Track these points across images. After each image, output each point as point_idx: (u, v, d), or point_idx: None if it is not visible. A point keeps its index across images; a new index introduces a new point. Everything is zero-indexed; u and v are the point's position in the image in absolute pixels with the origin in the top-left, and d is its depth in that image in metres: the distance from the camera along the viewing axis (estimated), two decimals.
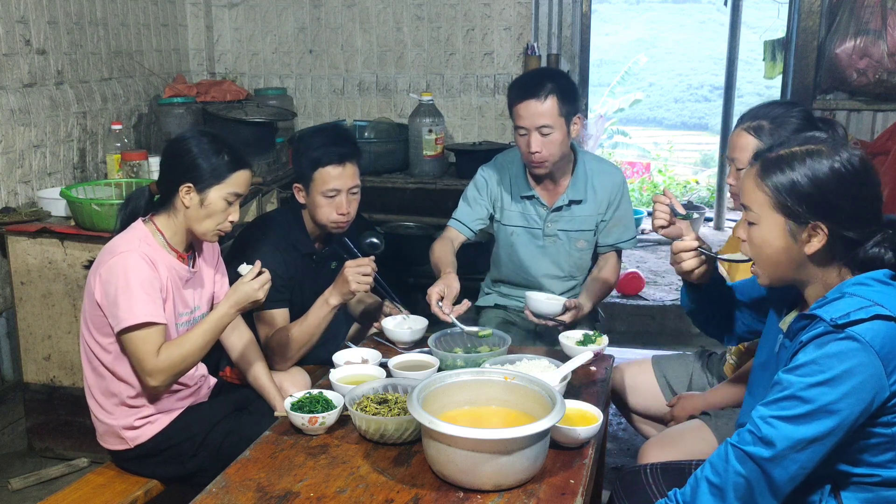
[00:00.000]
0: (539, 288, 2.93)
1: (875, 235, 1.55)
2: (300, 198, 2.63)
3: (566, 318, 2.64)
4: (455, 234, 2.94)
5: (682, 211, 2.16)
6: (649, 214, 6.96)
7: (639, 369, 2.61)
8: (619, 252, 2.99)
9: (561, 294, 2.97)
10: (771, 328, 1.82)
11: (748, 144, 2.16)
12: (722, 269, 2.50)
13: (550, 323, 2.66)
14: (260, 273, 2.15)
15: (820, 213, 1.54)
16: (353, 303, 2.88)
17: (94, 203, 2.92)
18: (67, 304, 3.05)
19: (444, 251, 2.82)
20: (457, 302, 2.49)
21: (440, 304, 2.44)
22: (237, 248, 2.66)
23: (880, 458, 1.54)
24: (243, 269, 2.19)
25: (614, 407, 2.74)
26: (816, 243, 1.55)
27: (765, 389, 1.68)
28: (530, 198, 2.87)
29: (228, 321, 2.17)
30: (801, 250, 1.58)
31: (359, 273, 2.40)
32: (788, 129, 2.12)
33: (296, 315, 2.56)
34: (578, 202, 2.86)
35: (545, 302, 2.65)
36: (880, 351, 1.44)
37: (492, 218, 2.97)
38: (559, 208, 2.86)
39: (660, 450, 2.20)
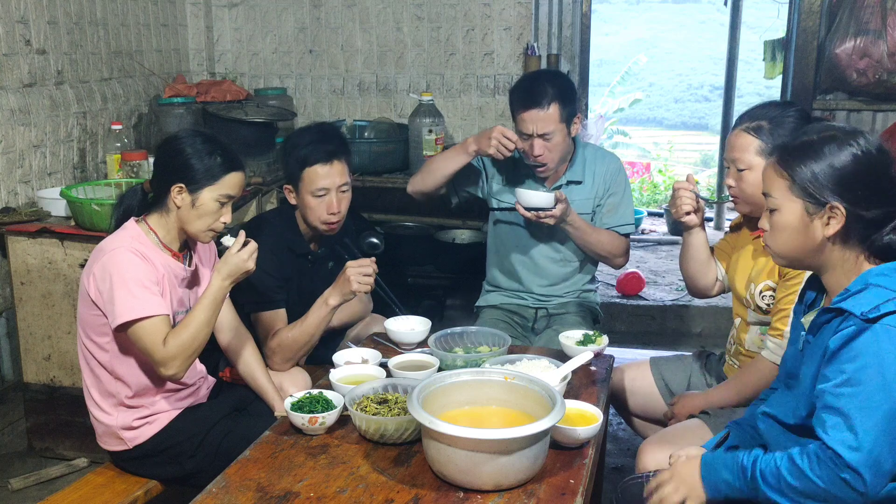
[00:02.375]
0: (539, 273, 2.97)
1: (892, 220, 1.59)
2: (291, 199, 2.61)
3: (556, 211, 2.69)
4: None
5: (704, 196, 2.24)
6: (650, 214, 7.01)
7: (637, 372, 2.61)
8: (622, 236, 2.98)
9: (561, 282, 2.99)
10: (793, 330, 1.84)
11: (749, 145, 2.17)
12: (721, 271, 2.50)
13: (542, 215, 2.70)
14: (246, 243, 2.14)
15: (837, 193, 1.58)
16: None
17: (94, 203, 2.92)
18: (67, 304, 3.05)
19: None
20: None
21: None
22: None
23: None
24: (227, 240, 2.17)
25: (613, 408, 2.74)
26: (835, 224, 1.59)
27: (787, 388, 1.72)
28: (530, 176, 2.92)
29: (225, 294, 2.15)
30: (820, 233, 1.61)
31: (360, 273, 2.39)
32: (786, 129, 2.13)
33: (294, 316, 2.55)
34: (578, 183, 2.92)
35: (535, 194, 2.70)
36: None
37: (481, 196, 2.98)
38: (558, 188, 2.90)
39: (658, 449, 2.20)
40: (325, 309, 2.46)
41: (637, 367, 2.63)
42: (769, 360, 2.18)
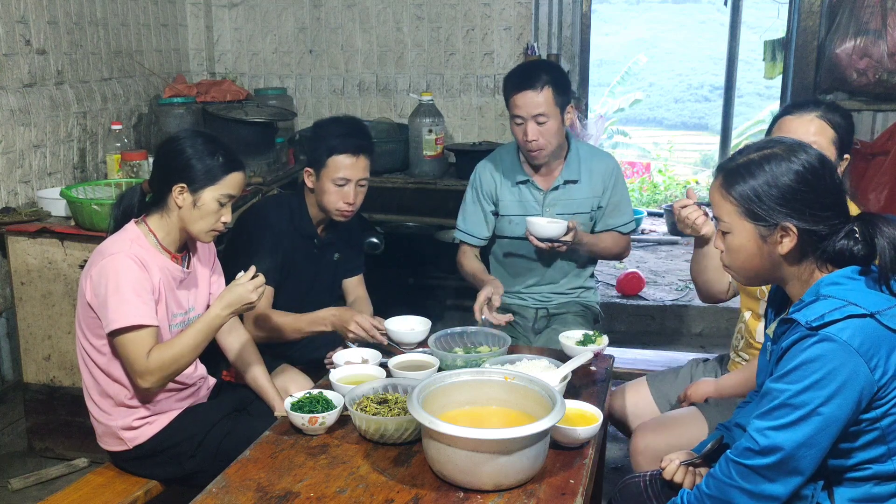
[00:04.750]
0: (540, 271, 2.99)
1: (843, 228, 1.59)
2: (309, 182, 2.67)
3: (568, 237, 2.73)
4: (468, 248, 3.04)
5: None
6: (650, 214, 7.01)
7: (637, 395, 2.56)
8: (621, 235, 3.01)
9: (561, 279, 3.00)
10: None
11: (826, 132, 2.14)
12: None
13: (556, 245, 2.73)
14: (255, 276, 2.14)
15: (786, 213, 1.58)
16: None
17: (94, 203, 2.92)
18: (67, 304, 3.05)
19: (472, 262, 2.98)
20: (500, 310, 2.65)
21: (486, 309, 2.64)
22: (238, 229, 2.69)
23: (872, 453, 1.56)
24: (240, 276, 2.18)
25: (617, 430, 2.70)
26: (788, 243, 1.59)
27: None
28: (525, 182, 2.92)
29: (221, 323, 2.14)
30: (774, 252, 1.61)
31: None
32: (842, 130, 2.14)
33: (293, 297, 2.56)
34: (574, 182, 2.92)
35: (548, 225, 2.72)
36: (860, 348, 1.47)
37: (495, 214, 2.99)
38: (556, 188, 2.91)
39: (652, 434, 2.24)
40: (318, 328, 2.52)
41: (636, 390, 2.58)
42: None
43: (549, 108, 2.73)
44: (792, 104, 2.29)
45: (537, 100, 2.71)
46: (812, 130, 2.15)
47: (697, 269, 2.47)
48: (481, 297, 2.63)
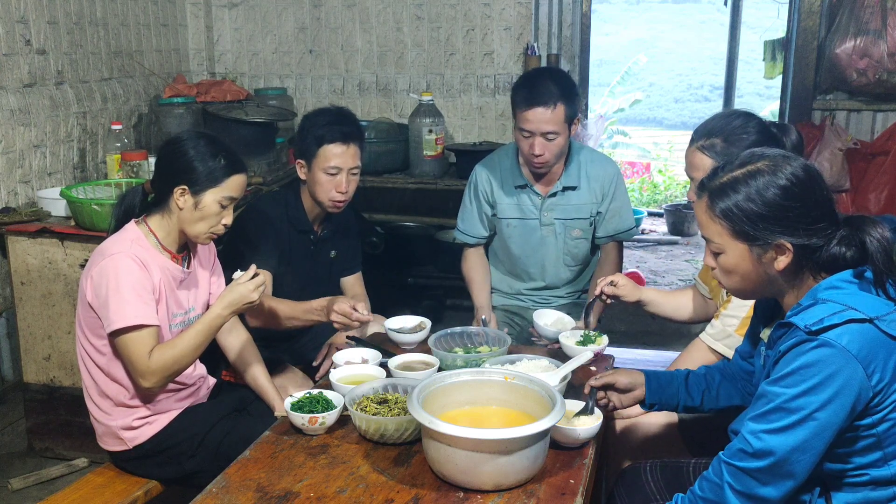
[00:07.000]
0: (543, 276, 2.99)
1: (834, 236, 1.57)
2: (302, 174, 2.68)
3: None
4: (471, 251, 3.04)
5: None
6: (650, 214, 7.02)
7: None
8: (619, 244, 3.01)
9: (563, 286, 3.00)
10: (759, 346, 1.84)
11: (704, 164, 2.11)
12: (703, 288, 2.48)
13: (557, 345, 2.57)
14: (255, 276, 2.14)
15: (779, 231, 1.55)
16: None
17: (94, 203, 2.92)
18: (67, 304, 3.05)
19: (471, 270, 3.01)
20: None
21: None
22: (237, 228, 2.68)
23: (868, 458, 1.55)
24: (237, 274, 2.17)
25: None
26: (784, 260, 1.57)
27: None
28: (523, 187, 2.90)
29: (222, 323, 2.15)
30: (770, 269, 1.59)
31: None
32: (742, 145, 2.04)
33: (290, 294, 2.56)
34: (573, 188, 2.89)
35: (551, 328, 2.56)
36: (858, 354, 1.45)
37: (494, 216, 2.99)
38: (554, 194, 2.89)
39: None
40: (312, 317, 2.46)
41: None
42: (704, 342, 2.24)
43: (560, 125, 2.69)
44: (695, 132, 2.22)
45: (549, 117, 2.67)
46: (694, 164, 2.15)
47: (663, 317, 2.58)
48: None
